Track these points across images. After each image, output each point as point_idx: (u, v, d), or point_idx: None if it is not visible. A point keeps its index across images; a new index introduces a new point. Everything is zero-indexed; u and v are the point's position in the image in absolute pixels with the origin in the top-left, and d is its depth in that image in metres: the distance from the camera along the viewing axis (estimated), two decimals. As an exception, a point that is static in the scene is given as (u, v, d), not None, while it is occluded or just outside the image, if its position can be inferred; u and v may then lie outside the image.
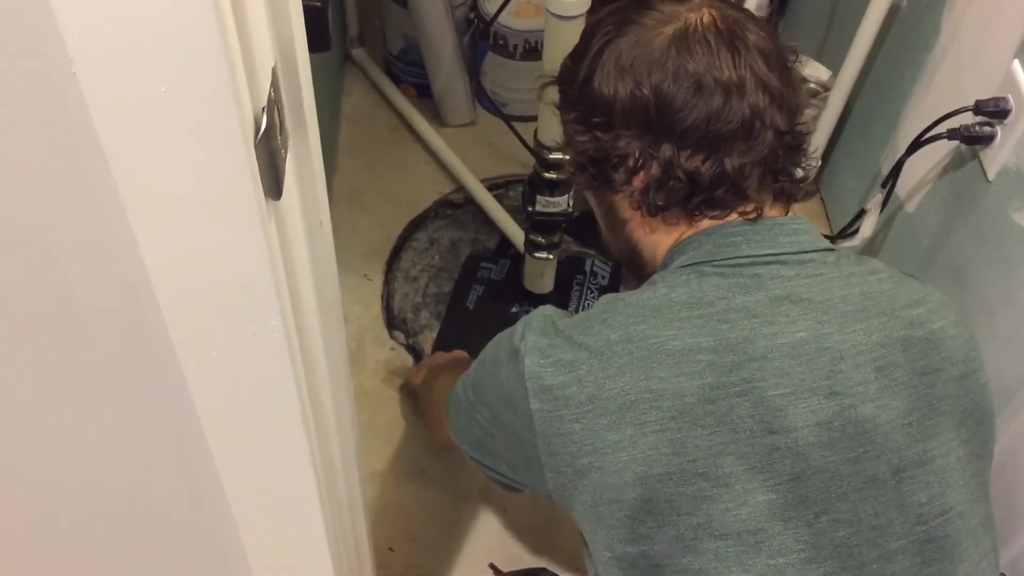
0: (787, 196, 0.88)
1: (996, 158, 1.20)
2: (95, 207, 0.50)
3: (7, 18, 0.43)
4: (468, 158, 1.91)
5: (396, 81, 2.08)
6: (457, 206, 1.89)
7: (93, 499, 0.73)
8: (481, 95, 2.03)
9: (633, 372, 0.78)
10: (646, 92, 0.83)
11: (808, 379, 0.78)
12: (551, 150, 1.43)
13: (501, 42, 1.93)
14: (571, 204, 1.52)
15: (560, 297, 1.73)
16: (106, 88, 0.44)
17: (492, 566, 1.35)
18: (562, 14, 1.23)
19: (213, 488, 0.71)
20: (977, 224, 1.27)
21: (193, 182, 0.48)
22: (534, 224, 1.56)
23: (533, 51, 1.92)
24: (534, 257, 1.63)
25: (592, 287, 1.76)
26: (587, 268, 1.79)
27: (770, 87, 0.84)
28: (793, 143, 0.87)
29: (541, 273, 1.68)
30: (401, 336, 1.68)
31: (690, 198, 0.84)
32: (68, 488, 0.71)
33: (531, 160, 1.48)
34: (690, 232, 0.87)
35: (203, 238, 0.51)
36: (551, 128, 1.41)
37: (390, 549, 1.40)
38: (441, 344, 1.66)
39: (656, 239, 0.89)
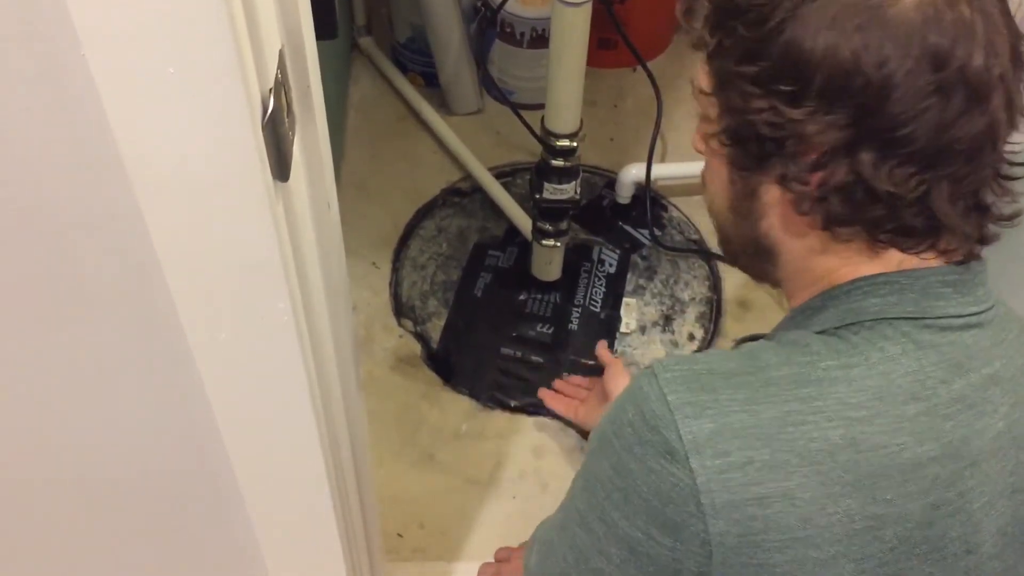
0: (981, 240, 0.69)
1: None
2: (104, 189, 0.51)
3: (18, 1, 0.43)
4: (475, 146, 1.91)
5: (403, 70, 2.08)
6: (465, 194, 1.89)
7: (103, 479, 0.73)
8: (488, 83, 2.03)
9: (860, 492, 0.61)
10: (868, 68, 0.60)
11: (1000, 480, 0.66)
12: (559, 137, 1.42)
13: (508, 30, 1.93)
14: (578, 192, 1.52)
15: (568, 285, 1.73)
16: (115, 70, 0.44)
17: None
18: (569, 1, 1.23)
19: (223, 472, 0.72)
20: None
21: (201, 163, 0.48)
22: (542, 212, 1.56)
23: (540, 39, 1.91)
24: (542, 245, 1.63)
25: (600, 275, 1.76)
26: (595, 256, 1.79)
27: (1013, 97, 0.64)
28: (1006, 174, 0.69)
29: (549, 261, 1.68)
30: (409, 324, 1.68)
31: (880, 223, 0.66)
32: (77, 469, 0.72)
33: (539, 148, 1.48)
34: (875, 265, 0.68)
35: (211, 219, 0.52)
36: (560, 116, 1.41)
37: (399, 535, 1.41)
38: (449, 331, 1.66)
39: (810, 250, 0.71)
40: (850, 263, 0.69)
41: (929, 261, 0.68)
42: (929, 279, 0.67)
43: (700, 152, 0.78)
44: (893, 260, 0.68)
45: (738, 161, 0.70)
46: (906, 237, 0.67)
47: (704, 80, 0.72)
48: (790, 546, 0.60)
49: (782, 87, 0.64)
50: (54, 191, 0.51)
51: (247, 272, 0.55)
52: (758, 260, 0.76)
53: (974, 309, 0.67)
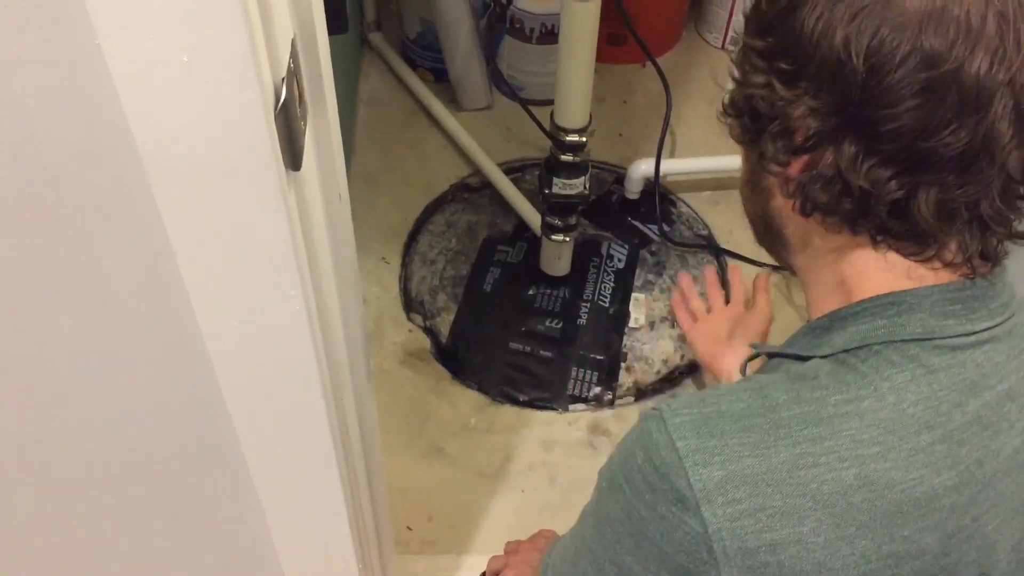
0: (984, 255, 0.65)
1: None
2: (118, 176, 0.51)
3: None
4: (485, 142, 1.91)
5: (413, 65, 2.08)
6: (474, 189, 1.90)
7: (113, 467, 0.74)
8: (498, 79, 2.03)
9: (876, 532, 0.60)
10: (855, 60, 0.58)
11: (1015, 497, 0.65)
12: (568, 133, 1.43)
13: (518, 25, 1.93)
14: (587, 187, 1.53)
15: (577, 280, 1.74)
16: (129, 58, 0.45)
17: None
18: (578, -5, 1.23)
19: (235, 462, 0.72)
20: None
21: (214, 151, 0.49)
22: (551, 207, 1.57)
23: (550, 34, 1.92)
24: (551, 240, 1.63)
25: (608, 270, 1.76)
26: (603, 251, 1.80)
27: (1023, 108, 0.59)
28: (1020, 195, 0.64)
29: (558, 255, 1.69)
30: (419, 318, 1.69)
31: (856, 219, 0.64)
32: (88, 456, 0.72)
33: (548, 144, 1.48)
34: (883, 271, 0.66)
35: (224, 207, 0.52)
36: (569, 111, 1.41)
37: (408, 528, 1.42)
38: (458, 326, 1.67)
39: (811, 239, 0.69)
40: (855, 267, 0.67)
41: (940, 273, 0.65)
42: (936, 297, 0.65)
43: None
44: (901, 267, 0.66)
45: (735, 133, 0.70)
46: (899, 240, 0.65)
47: None
48: None
49: (782, 65, 0.63)
50: (68, 178, 0.52)
51: (259, 259, 0.56)
52: (773, 242, 0.75)
53: (986, 324, 0.65)
